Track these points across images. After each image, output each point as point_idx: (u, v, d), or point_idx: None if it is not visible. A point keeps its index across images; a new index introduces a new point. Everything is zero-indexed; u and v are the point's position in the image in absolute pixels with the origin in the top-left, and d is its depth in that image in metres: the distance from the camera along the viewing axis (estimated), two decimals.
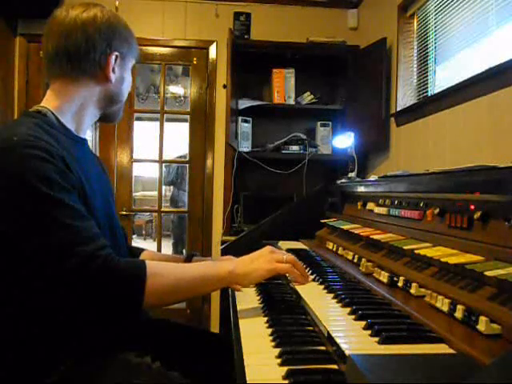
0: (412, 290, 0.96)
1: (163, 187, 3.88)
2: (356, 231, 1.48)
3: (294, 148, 3.06)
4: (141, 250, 1.38)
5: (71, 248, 0.89)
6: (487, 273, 0.79)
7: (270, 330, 0.89)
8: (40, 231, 0.89)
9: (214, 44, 3.30)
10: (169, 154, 3.92)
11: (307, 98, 3.16)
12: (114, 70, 1.14)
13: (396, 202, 1.38)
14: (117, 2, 3.01)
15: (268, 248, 1.12)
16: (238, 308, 1.09)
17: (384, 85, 2.72)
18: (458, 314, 0.78)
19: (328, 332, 0.82)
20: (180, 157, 4.42)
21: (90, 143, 1.29)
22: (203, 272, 1.04)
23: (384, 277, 1.08)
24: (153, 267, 0.96)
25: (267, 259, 1.07)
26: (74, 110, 1.12)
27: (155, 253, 1.48)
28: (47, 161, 0.93)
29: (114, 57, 1.13)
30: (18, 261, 0.93)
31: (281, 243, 1.90)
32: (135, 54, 1.21)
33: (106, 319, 1.01)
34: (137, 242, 6.15)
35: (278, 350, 0.78)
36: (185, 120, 3.62)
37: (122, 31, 1.15)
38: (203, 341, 1.30)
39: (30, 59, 3.20)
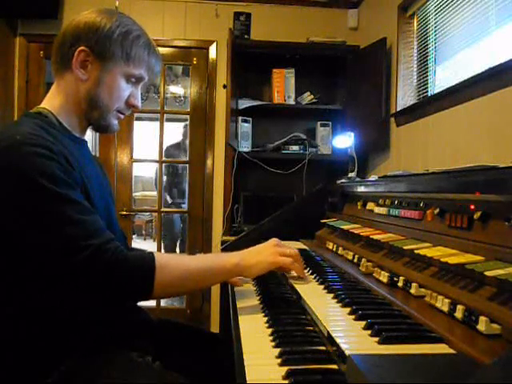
0: (412, 290, 0.96)
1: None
2: (356, 231, 1.48)
3: (294, 148, 3.05)
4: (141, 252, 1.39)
5: (80, 242, 0.90)
6: (487, 273, 0.79)
7: (269, 330, 0.89)
8: (48, 227, 0.90)
9: (214, 44, 3.30)
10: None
11: (307, 98, 3.16)
12: (84, 67, 1.08)
13: (396, 202, 1.38)
14: (117, 2, 3.01)
15: (273, 241, 1.14)
16: (238, 308, 1.09)
17: (384, 85, 2.72)
18: (458, 314, 0.78)
19: (328, 332, 0.82)
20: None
21: (89, 143, 1.28)
22: (209, 264, 1.06)
23: (384, 277, 1.08)
24: (161, 259, 0.98)
25: (271, 252, 1.10)
26: (69, 108, 1.11)
27: None
28: (50, 158, 0.93)
29: (79, 51, 1.06)
30: (20, 259, 0.94)
31: None
32: (132, 64, 1.11)
33: (114, 312, 1.03)
34: (137, 242, 6.15)
35: (277, 350, 0.78)
36: (185, 120, 3.62)
37: (103, 30, 1.07)
38: (203, 341, 1.30)
39: (30, 59, 3.20)
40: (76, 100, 1.10)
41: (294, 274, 1.19)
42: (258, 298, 1.15)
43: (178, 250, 4.90)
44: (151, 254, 0.99)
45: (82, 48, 1.07)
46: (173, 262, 1.01)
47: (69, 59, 1.08)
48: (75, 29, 1.08)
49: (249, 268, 1.07)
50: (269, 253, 1.10)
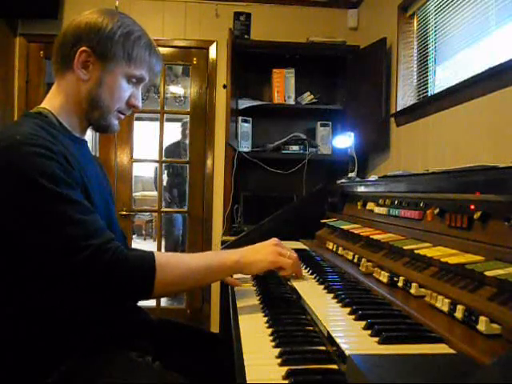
0: (412, 290, 0.96)
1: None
2: (356, 231, 1.48)
3: (294, 148, 3.05)
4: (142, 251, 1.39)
5: (80, 242, 0.90)
6: (487, 273, 0.79)
7: (269, 330, 0.89)
8: (48, 226, 0.90)
9: (214, 44, 3.30)
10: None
11: (307, 98, 3.16)
12: (85, 67, 1.08)
13: (396, 202, 1.38)
14: (117, 2, 3.01)
15: (273, 240, 1.14)
16: (238, 308, 1.09)
17: (384, 85, 2.72)
18: (458, 314, 0.78)
19: (328, 332, 0.82)
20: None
21: (89, 143, 1.28)
22: (210, 262, 1.06)
23: (384, 277, 1.08)
24: (161, 258, 0.98)
25: (271, 251, 1.10)
26: (70, 109, 1.11)
27: None
28: (50, 158, 0.94)
29: (81, 51, 1.06)
30: (20, 259, 0.94)
31: None
32: (134, 64, 1.11)
33: (114, 312, 1.04)
34: (137, 242, 6.15)
35: (277, 350, 0.78)
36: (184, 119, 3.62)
37: (105, 31, 1.07)
38: (203, 341, 1.30)
39: (30, 59, 3.20)
40: (77, 100, 1.10)
41: (283, 273, 1.17)
42: (258, 297, 1.15)
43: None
44: (151, 253, 0.99)
45: (83, 48, 1.06)
46: (173, 261, 1.02)
47: (70, 59, 1.08)
48: (76, 29, 1.08)
49: (249, 265, 1.08)
50: (268, 251, 1.10)
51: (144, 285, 0.95)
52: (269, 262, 1.09)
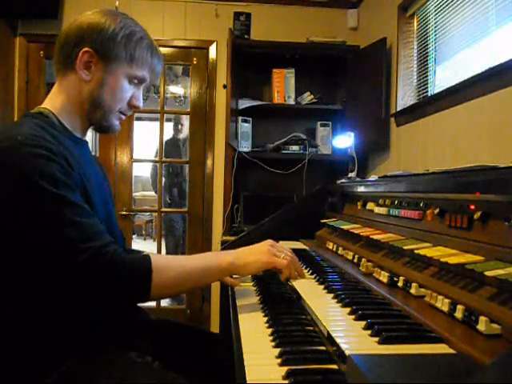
0: (412, 290, 0.96)
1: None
2: (356, 231, 1.48)
3: (294, 148, 3.05)
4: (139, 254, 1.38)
5: (79, 244, 0.90)
6: (487, 273, 0.79)
7: (269, 330, 0.89)
8: (48, 227, 0.90)
9: (214, 44, 3.30)
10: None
11: (307, 98, 3.16)
12: (88, 68, 1.08)
13: (396, 202, 1.38)
14: (117, 2, 3.01)
15: (268, 242, 1.15)
16: (238, 307, 1.09)
17: (384, 85, 2.72)
18: (458, 314, 0.78)
19: (328, 332, 0.82)
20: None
21: (90, 143, 1.28)
22: (205, 264, 1.07)
23: (384, 277, 1.08)
24: (157, 261, 0.98)
25: (265, 251, 1.11)
26: (71, 109, 1.11)
27: None
28: (51, 159, 0.94)
29: (83, 51, 1.06)
30: (20, 259, 0.94)
31: (281, 243, 1.89)
32: (135, 65, 1.11)
33: (114, 312, 1.04)
34: (137, 242, 6.15)
35: (277, 350, 0.78)
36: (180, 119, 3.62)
37: (107, 31, 1.07)
38: (203, 341, 1.30)
39: (30, 59, 3.20)
40: (78, 100, 1.10)
41: (283, 276, 1.17)
42: (258, 297, 1.15)
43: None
44: (148, 256, 0.99)
45: (86, 49, 1.06)
46: (169, 264, 1.02)
47: (72, 60, 1.08)
48: (78, 29, 1.08)
49: (243, 266, 1.09)
50: (262, 252, 1.11)
51: (141, 287, 0.95)
52: (263, 263, 1.10)
